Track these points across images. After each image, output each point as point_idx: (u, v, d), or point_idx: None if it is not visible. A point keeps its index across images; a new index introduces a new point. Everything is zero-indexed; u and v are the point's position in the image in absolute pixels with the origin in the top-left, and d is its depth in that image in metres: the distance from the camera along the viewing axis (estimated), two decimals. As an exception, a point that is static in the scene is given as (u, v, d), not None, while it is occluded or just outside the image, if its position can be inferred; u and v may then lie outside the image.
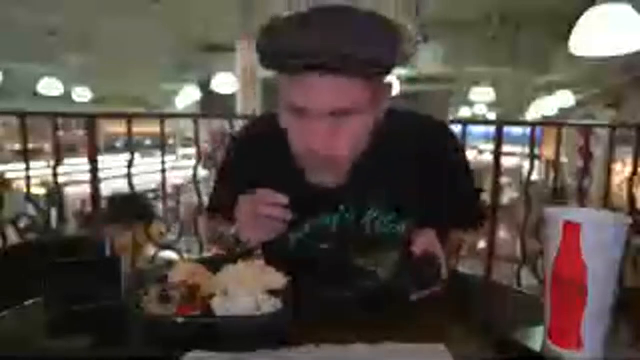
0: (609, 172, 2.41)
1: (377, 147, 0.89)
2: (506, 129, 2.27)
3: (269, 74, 0.85)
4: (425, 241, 0.78)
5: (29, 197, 2.17)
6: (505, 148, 2.27)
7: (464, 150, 1.05)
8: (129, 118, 2.12)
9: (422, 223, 0.90)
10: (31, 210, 2.31)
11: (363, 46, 0.73)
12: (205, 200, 2.27)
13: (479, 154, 9.63)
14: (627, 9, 2.07)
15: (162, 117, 2.22)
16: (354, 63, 0.73)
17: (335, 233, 0.96)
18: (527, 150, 2.32)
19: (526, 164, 2.41)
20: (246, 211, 0.86)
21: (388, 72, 0.81)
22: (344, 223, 0.96)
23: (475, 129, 4.17)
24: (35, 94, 7.74)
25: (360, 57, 0.73)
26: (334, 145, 0.81)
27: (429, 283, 0.75)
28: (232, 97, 6.38)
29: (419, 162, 0.93)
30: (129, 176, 2.16)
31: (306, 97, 0.78)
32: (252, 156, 1.02)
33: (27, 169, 2.13)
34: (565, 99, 7.40)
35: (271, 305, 0.68)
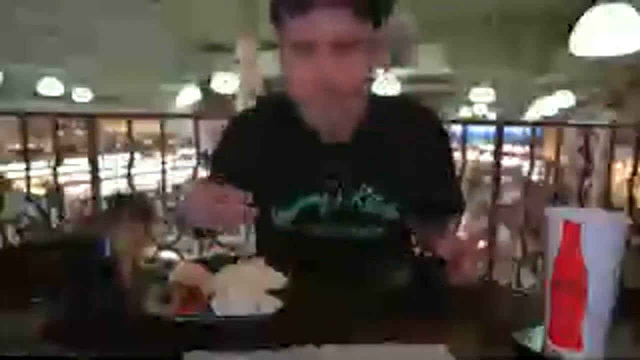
0: (609, 172, 2.41)
1: (369, 127, 0.97)
2: (506, 129, 2.27)
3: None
4: (452, 247, 0.79)
5: (29, 197, 2.17)
6: (506, 148, 2.27)
7: (448, 136, 1.08)
8: (129, 118, 2.13)
9: (409, 207, 0.97)
10: (31, 210, 2.31)
11: None
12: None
13: (479, 154, 9.62)
14: (628, 9, 2.08)
15: (162, 117, 2.22)
16: None
17: (324, 217, 0.97)
18: (527, 150, 2.31)
19: (526, 164, 2.41)
20: (200, 203, 0.79)
21: (378, 21, 0.87)
22: (332, 207, 0.96)
23: (475, 129, 4.17)
24: (35, 94, 7.75)
25: None
26: (338, 77, 0.83)
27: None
28: (232, 97, 6.37)
29: (407, 145, 0.98)
30: (129, 176, 2.16)
31: (311, 27, 0.82)
32: (248, 135, 1.03)
33: (27, 169, 2.13)
34: (565, 99, 7.40)
35: (271, 305, 0.68)
